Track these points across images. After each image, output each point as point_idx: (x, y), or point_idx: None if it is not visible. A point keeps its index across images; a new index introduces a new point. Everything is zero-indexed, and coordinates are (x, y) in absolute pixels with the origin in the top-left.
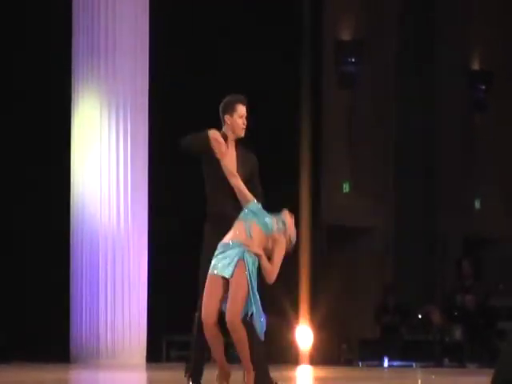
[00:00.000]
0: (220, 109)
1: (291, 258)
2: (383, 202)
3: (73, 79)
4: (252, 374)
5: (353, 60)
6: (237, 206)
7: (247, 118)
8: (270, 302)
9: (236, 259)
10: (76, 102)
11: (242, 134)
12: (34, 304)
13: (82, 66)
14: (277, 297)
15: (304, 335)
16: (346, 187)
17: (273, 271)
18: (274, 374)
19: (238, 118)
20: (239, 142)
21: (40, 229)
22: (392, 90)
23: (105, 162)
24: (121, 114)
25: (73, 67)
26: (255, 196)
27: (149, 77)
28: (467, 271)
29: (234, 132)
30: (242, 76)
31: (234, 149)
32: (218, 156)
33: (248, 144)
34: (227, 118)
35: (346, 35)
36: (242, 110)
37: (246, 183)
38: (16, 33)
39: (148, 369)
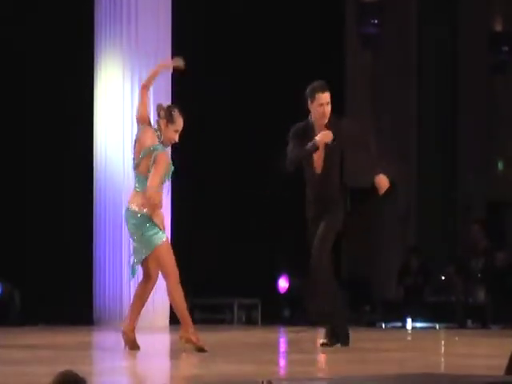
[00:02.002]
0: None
1: None
2: (407, 164)
3: (95, 45)
4: None
5: (375, 21)
6: None
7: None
8: (295, 262)
9: None
10: (99, 67)
11: (323, 121)
12: (57, 267)
13: (104, 32)
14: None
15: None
16: None
17: None
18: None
19: (318, 106)
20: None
21: (64, 192)
22: (414, 51)
23: (128, 127)
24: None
25: (95, 33)
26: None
27: (171, 42)
28: (475, 235)
29: (315, 119)
30: (266, 32)
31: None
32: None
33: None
34: (309, 104)
35: None
36: (320, 98)
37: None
38: (39, 1)
39: (171, 331)
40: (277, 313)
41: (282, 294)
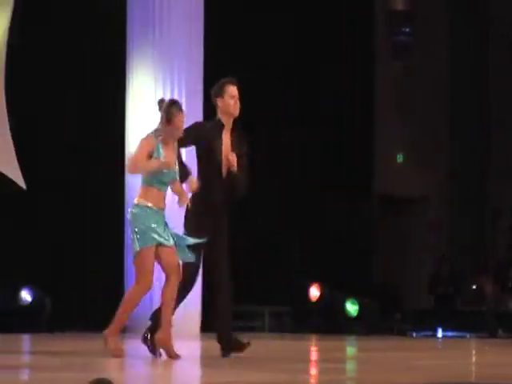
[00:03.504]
0: (211, 95)
1: (345, 227)
2: (437, 172)
3: (128, 45)
4: None
5: (406, 30)
6: None
7: (240, 100)
8: (327, 271)
9: None
10: (130, 70)
11: (236, 112)
12: (88, 273)
13: (136, 32)
14: (330, 266)
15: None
16: (399, 157)
17: None
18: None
19: (230, 99)
20: (235, 127)
21: (95, 199)
22: (444, 60)
23: None
24: (175, 80)
25: (127, 33)
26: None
27: (204, 42)
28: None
29: (227, 113)
30: (296, 42)
31: (228, 134)
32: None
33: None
34: (219, 100)
35: (398, 5)
36: (232, 90)
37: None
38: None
39: (203, 338)
40: (308, 321)
41: (313, 302)
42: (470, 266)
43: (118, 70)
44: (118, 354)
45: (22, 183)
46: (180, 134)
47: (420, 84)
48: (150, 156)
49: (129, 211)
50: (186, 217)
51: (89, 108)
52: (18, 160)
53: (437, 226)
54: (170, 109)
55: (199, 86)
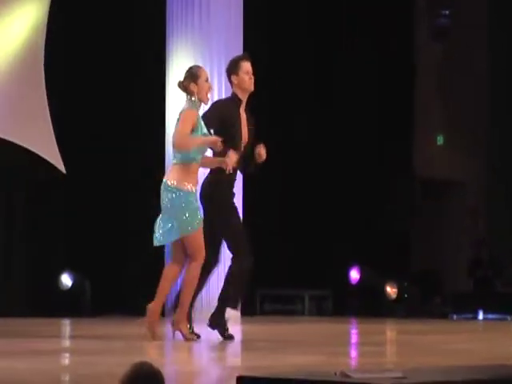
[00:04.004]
0: (226, 72)
1: (383, 209)
2: (477, 155)
3: (167, 33)
4: None
5: (446, 12)
6: None
7: (254, 74)
8: (367, 254)
9: None
10: (170, 57)
11: (251, 87)
12: (129, 257)
13: (176, 20)
14: (369, 250)
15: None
16: (439, 140)
17: None
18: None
19: (244, 75)
20: (248, 103)
21: (135, 184)
22: (485, 41)
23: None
24: (215, 67)
25: (167, 20)
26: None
27: (243, 30)
28: None
29: (243, 89)
30: (335, 27)
31: (244, 109)
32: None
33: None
34: (234, 77)
35: None
36: (246, 65)
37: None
38: None
39: (243, 322)
40: (348, 304)
41: (353, 285)
42: (509, 249)
43: (157, 55)
44: (192, 338)
45: (62, 168)
46: (208, 90)
47: (460, 67)
48: (193, 130)
49: (171, 196)
50: (203, 187)
51: (128, 95)
52: (58, 145)
53: (475, 210)
54: (190, 69)
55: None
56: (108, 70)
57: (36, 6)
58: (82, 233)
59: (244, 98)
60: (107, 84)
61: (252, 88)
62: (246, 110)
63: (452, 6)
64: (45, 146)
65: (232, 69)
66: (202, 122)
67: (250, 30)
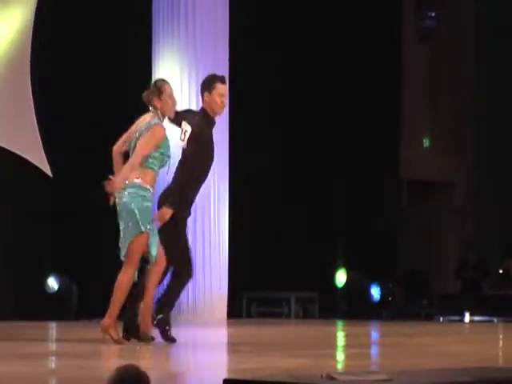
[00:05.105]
0: (200, 86)
1: (370, 211)
2: (463, 157)
3: (153, 39)
4: None
5: (432, 14)
6: None
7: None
8: (353, 256)
9: None
10: (156, 61)
11: (220, 112)
12: (115, 261)
13: (161, 26)
14: (356, 252)
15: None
16: (426, 142)
17: None
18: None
19: (217, 97)
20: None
21: None
22: (471, 45)
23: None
24: (200, 74)
25: (153, 27)
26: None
27: (229, 36)
28: None
29: (212, 110)
30: (322, 29)
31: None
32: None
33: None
34: (206, 95)
35: None
36: (221, 88)
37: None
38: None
39: (229, 324)
40: (334, 307)
41: (339, 288)
42: (497, 250)
43: (143, 60)
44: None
45: (48, 171)
46: (171, 106)
47: (446, 69)
48: (158, 146)
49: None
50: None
51: (113, 99)
52: (44, 147)
53: (463, 212)
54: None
55: (225, 67)
56: (94, 74)
57: (22, 9)
58: (69, 236)
59: (214, 118)
60: (93, 88)
61: (221, 113)
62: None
63: (438, 7)
64: (31, 149)
65: (206, 86)
66: (168, 141)
67: (236, 37)
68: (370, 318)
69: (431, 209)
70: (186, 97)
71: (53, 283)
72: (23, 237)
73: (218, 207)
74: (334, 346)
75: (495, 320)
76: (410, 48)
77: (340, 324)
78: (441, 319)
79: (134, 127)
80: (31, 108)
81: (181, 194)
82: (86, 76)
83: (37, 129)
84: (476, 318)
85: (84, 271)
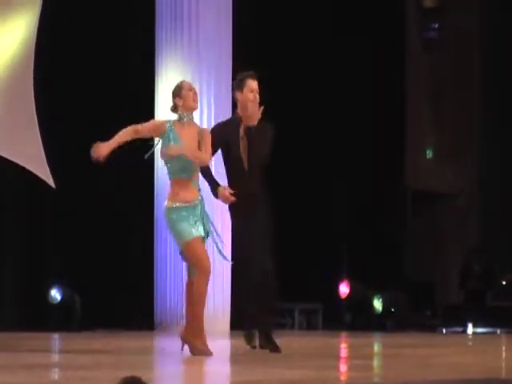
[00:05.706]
0: (232, 90)
1: (374, 222)
2: (467, 167)
3: (156, 48)
4: None
5: (436, 26)
6: None
7: (260, 94)
8: (357, 267)
9: None
10: (160, 69)
11: (254, 109)
12: (118, 271)
13: (165, 34)
14: (360, 263)
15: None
16: (429, 153)
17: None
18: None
19: (249, 93)
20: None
21: (124, 197)
22: (476, 54)
23: None
24: (204, 82)
25: (156, 36)
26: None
27: (232, 43)
28: None
29: (245, 109)
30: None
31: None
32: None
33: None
34: (238, 94)
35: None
36: (251, 84)
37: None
38: (100, 2)
39: (232, 336)
40: (338, 318)
41: (343, 299)
42: (501, 260)
43: (147, 67)
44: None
45: (51, 182)
46: (194, 103)
47: (450, 80)
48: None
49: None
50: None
51: (117, 109)
52: (47, 158)
53: (467, 221)
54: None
55: (228, 78)
56: (97, 84)
57: (25, 20)
58: (72, 247)
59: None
60: (96, 98)
61: (255, 109)
62: (252, 126)
63: (442, 19)
64: (34, 160)
65: (237, 85)
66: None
67: (240, 44)
68: (373, 329)
69: (436, 218)
70: None
71: (56, 294)
72: (26, 247)
73: (221, 216)
74: (337, 358)
75: (498, 331)
76: (414, 59)
77: (343, 335)
78: (444, 330)
79: (150, 126)
80: (35, 119)
81: None
82: (89, 87)
83: (40, 140)
84: (479, 330)
85: (87, 282)
